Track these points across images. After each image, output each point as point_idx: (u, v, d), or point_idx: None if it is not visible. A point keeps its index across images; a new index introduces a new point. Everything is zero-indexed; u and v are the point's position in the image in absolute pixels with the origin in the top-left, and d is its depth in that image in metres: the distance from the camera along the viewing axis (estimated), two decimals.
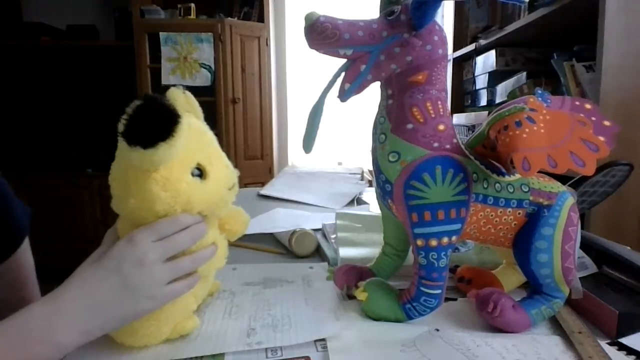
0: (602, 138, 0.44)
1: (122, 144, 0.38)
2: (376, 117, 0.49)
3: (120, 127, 0.38)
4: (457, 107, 2.11)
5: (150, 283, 0.40)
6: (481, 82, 1.88)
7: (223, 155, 0.48)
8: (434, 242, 0.45)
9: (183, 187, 0.42)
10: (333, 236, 0.77)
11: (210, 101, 2.45)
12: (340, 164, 2.74)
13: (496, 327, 0.47)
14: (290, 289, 0.59)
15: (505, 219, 0.48)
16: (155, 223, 0.42)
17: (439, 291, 0.47)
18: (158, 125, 0.38)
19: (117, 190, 0.43)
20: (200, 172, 0.44)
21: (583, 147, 0.43)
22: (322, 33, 0.42)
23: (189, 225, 0.43)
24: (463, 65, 2.13)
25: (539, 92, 0.47)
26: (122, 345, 0.44)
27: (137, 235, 0.41)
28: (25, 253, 0.70)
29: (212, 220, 0.48)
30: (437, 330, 0.47)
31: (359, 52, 0.44)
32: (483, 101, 1.87)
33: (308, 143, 0.46)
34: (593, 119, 0.46)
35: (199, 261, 0.45)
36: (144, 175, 0.41)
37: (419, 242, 0.46)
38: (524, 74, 1.53)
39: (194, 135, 0.45)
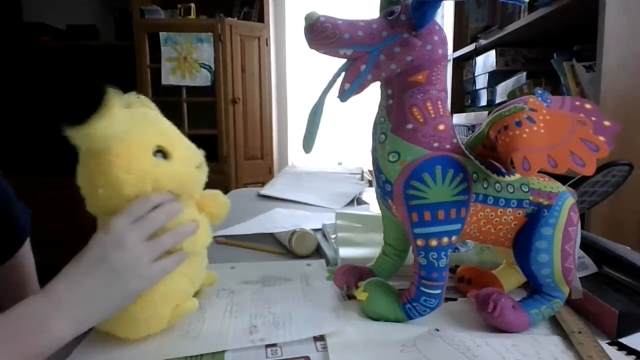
0: (602, 138, 0.44)
1: (69, 131, 0.39)
2: (376, 117, 0.49)
3: (57, 114, 0.38)
4: (457, 107, 2.11)
5: (135, 263, 0.41)
6: (481, 82, 1.88)
7: (184, 138, 0.49)
8: (434, 242, 0.45)
9: (147, 167, 0.43)
10: (333, 236, 0.77)
11: (210, 101, 2.45)
12: (340, 164, 2.74)
13: (496, 327, 0.47)
14: (289, 287, 0.59)
15: (505, 219, 0.48)
16: (128, 207, 0.43)
17: (439, 291, 0.47)
18: (85, 99, 0.38)
19: (86, 188, 0.44)
20: (162, 154, 0.45)
21: (583, 147, 0.43)
22: (322, 33, 0.42)
23: (161, 203, 0.44)
24: (463, 65, 2.13)
25: (539, 92, 0.47)
26: (125, 340, 0.44)
27: (111, 222, 0.42)
28: (26, 254, 0.70)
29: (187, 201, 0.49)
30: (437, 330, 0.47)
31: (359, 52, 0.44)
32: (483, 101, 1.87)
33: (308, 143, 0.46)
34: (593, 119, 0.46)
35: (180, 236, 0.46)
36: (106, 163, 0.41)
37: (419, 242, 0.46)
38: (524, 74, 1.53)
39: (149, 121, 0.46)
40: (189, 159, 0.48)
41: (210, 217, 0.53)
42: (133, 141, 0.43)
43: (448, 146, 0.46)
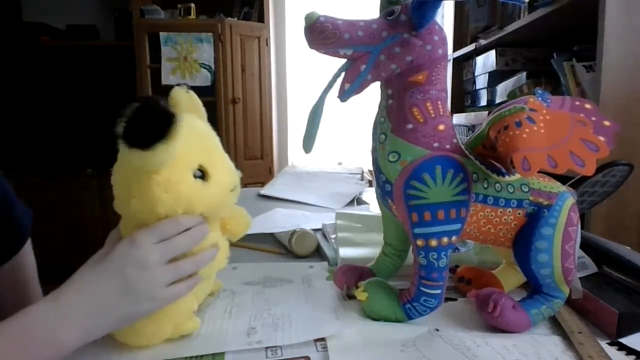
0: (602, 138, 0.44)
1: (122, 146, 0.39)
2: (376, 117, 0.49)
3: (119, 129, 0.38)
4: (457, 107, 2.11)
5: (152, 285, 0.41)
6: (481, 82, 1.88)
7: (226, 156, 0.48)
8: (434, 242, 0.45)
9: (185, 188, 0.42)
10: (333, 236, 0.77)
11: (210, 101, 2.44)
12: (340, 164, 2.74)
13: (496, 327, 0.47)
14: (290, 289, 0.59)
15: (505, 219, 0.48)
16: (156, 224, 0.42)
17: (439, 291, 0.47)
18: (155, 127, 0.38)
19: (119, 192, 0.43)
20: (202, 174, 0.44)
21: (583, 147, 0.43)
22: (322, 33, 0.42)
23: (190, 226, 0.43)
24: (463, 65, 2.13)
25: (539, 92, 0.47)
26: (123, 344, 0.44)
27: (138, 236, 0.41)
28: (27, 254, 0.70)
29: (213, 222, 0.48)
30: (437, 330, 0.47)
31: (359, 52, 0.44)
32: (483, 101, 1.87)
33: (308, 143, 0.46)
34: (593, 119, 0.46)
35: (201, 263, 0.45)
36: (146, 177, 0.41)
37: (419, 242, 0.46)
38: (524, 74, 1.53)
39: (197, 136, 0.45)
40: (225, 182, 0.47)
41: (230, 234, 0.52)
42: (177, 160, 0.42)
43: (448, 146, 0.46)
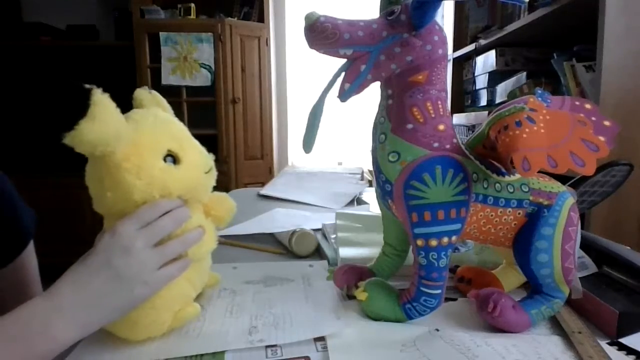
0: (602, 138, 0.44)
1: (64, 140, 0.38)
2: (376, 117, 0.49)
3: (43, 122, 0.38)
4: (457, 107, 2.11)
5: (141, 270, 0.41)
6: (481, 82, 1.88)
7: (196, 142, 0.49)
8: (434, 242, 0.45)
9: (157, 173, 0.43)
10: (333, 236, 0.77)
11: (210, 101, 2.45)
12: (340, 164, 2.74)
13: (496, 327, 0.47)
14: (290, 288, 0.59)
15: (505, 219, 0.48)
16: (136, 211, 0.42)
17: (439, 291, 0.47)
18: (68, 105, 0.37)
19: (94, 189, 0.44)
20: (173, 159, 0.45)
21: (583, 147, 0.43)
22: (322, 33, 0.42)
23: (170, 209, 0.44)
24: (463, 65, 2.13)
25: (539, 92, 0.47)
26: (125, 340, 0.44)
27: (120, 226, 0.41)
28: (30, 255, 0.71)
29: (194, 205, 0.49)
30: (437, 330, 0.47)
31: (359, 52, 0.44)
32: (483, 101, 1.87)
33: (308, 143, 0.46)
34: (593, 119, 0.46)
35: (187, 243, 0.46)
36: (115, 166, 0.41)
37: (419, 242, 0.46)
38: (524, 74, 1.53)
39: (161, 124, 0.46)
40: (198, 164, 0.47)
41: (215, 220, 0.53)
42: (144, 145, 0.43)
43: (448, 146, 0.46)
